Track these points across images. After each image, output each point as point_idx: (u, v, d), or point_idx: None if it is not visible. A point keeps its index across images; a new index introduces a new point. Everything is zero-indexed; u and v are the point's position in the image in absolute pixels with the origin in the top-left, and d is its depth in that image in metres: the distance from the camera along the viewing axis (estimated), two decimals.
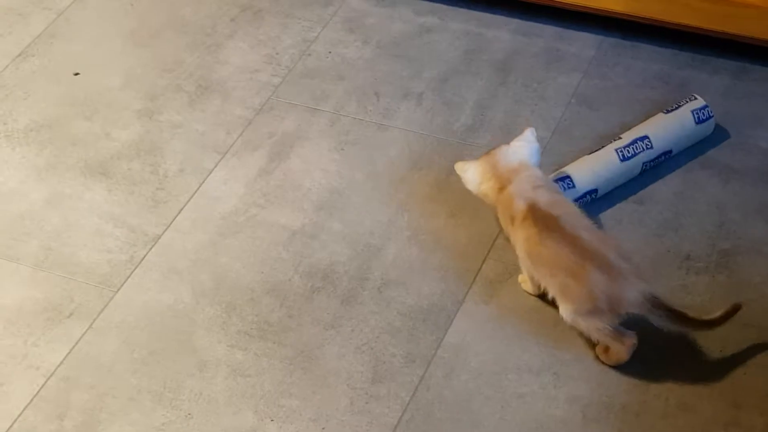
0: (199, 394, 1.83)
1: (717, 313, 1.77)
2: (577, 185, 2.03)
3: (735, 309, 1.77)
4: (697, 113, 2.12)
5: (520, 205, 1.85)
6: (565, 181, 2.03)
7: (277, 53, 2.42)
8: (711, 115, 2.13)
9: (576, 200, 2.02)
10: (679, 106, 2.14)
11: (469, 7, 2.49)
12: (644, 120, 2.16)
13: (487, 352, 1.86)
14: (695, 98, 2.14)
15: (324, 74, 2.37)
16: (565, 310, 1.79)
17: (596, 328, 1.77)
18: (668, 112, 2.14)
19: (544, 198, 1.85)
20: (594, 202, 2.06)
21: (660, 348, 1.84)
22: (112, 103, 2.33)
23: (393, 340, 1.89)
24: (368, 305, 1.94)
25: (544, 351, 1.85)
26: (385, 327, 1.91)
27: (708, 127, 2.15)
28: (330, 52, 2.42)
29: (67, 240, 2.06)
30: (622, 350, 1.80)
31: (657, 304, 1.74)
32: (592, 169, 2.06)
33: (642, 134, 2.08)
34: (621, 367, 1.82)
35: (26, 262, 2.03)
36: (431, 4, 2.50)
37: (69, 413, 1.81)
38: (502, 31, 2.43)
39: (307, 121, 2.27)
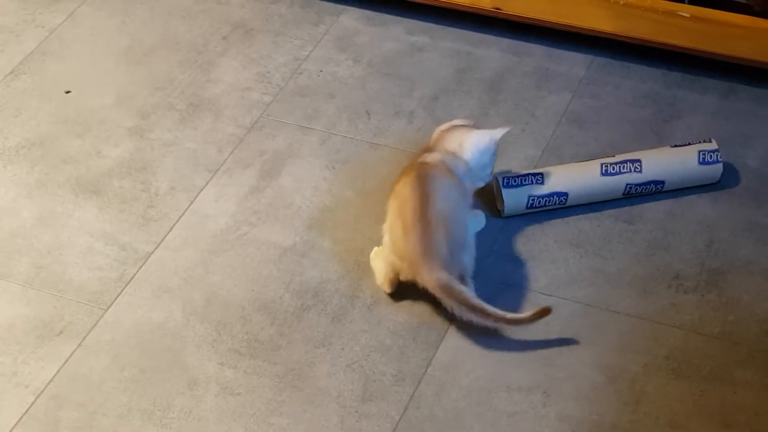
0: (189, 412, 1.82)
1: (527, 314, 1.86)
2: (545, 182, 2.05)
3: (544, 312, 1.85)
4: (704, 154, 2.08)
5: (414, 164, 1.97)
6: (536, 177, 2.05)
7: (268, 71, 2.43)
8: (718, 159, 2.09)
9: (543, 197, 2.04)
10: (690, 144, 2.11)
11: (460, 27, 2.50)
12: (634, 140, 2.17)
13: (478, 371, 1.86)
14: (710, 141, 2.10)
15: (315, 93, 2.37)
16: (385, 240, 1.93)
17: (386, 267, 1.93)
18: (675, 146, 2.12)
19: (432, 158, 1.97)
20: (568, 211, 2.07)
21: (649, 367, 1.85)
22: (103, 120, 2.33)
23: (383, 359, 1.89)
24: (358, 323, 1.94)
25: (535, 369, 1.85)
26: (375, 345, 1.91)
27: (713, 172, 2.10)
28: (321, 71, 2.42)
29: (58, 258, 2.06)
30: (388, 282, 1.95)
31: (452, 294, 1.84)
32: (569, 172, 2.08)
33: (635, 157, 2.08)
34: (612, 386, 1.82)
35: (17, 280, 2.03)
36: (422, 23, 2.51)
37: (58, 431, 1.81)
38: (493, 50, 2.44)
39: (298, 140, 2.27)
